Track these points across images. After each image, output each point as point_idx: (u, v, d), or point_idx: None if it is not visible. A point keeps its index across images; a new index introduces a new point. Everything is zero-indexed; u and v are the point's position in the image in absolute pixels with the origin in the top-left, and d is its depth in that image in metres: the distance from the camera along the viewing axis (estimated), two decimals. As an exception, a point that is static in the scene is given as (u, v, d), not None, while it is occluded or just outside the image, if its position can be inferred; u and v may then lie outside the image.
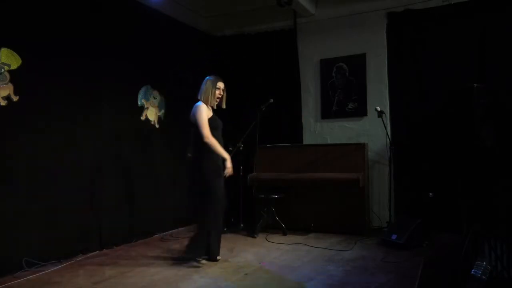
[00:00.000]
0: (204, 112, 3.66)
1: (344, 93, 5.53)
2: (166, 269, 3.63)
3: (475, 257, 2.83)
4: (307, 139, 5.75)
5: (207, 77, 3.84)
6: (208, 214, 3.71)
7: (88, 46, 4.28)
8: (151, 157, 5.10)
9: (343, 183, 4.78)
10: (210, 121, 3.69)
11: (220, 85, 3.83)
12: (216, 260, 3.78)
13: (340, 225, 4.89)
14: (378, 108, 4.78)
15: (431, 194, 4.68)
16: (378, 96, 5.32)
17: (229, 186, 5.71)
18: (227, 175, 3.80)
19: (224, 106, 3.93)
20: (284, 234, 4.91)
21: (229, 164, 3.77)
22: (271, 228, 5.00)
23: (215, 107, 3.83)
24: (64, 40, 4.03)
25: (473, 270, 2.61)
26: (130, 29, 4.77)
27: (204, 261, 3.75)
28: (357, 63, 5.44)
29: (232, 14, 5.98)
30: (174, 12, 5.46)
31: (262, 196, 5.02)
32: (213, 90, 3.76)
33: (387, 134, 4.97)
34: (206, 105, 3.75)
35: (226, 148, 5.19)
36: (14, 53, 3.59)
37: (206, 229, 3.74)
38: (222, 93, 3.84)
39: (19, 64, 3.62)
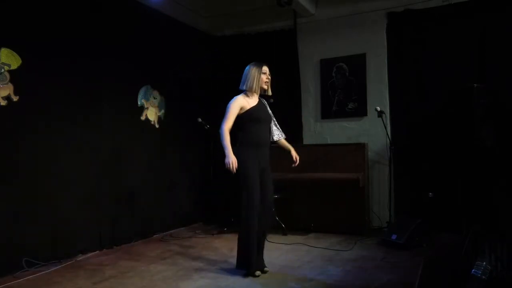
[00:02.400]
0: (237, 102, 3.39)
1: (344, 93, 5.53)
2: (166, 269, 3.63)
3: (475, 257, 2.83)
4: (307, 139, 5.74)
5: (248, 66, 3.55)
6: (241, 217, 3.40)
7: (88, 46, 4.28)
8: (151, 157, 5.10)
9: (343, 183, 4.78)
10: (250, 112, 3.40)
11: (266, 69, 3.53)
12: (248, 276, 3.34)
13: (340, 225, 4.89)
14: (378, 108, 4.78)
15: (431, 194, 4.68)
16: (378, 96, 5.32)
17: (229, 186, 5.78)
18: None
19: (270, 92, 3.59)
20: (284, 234, 4.91)
21: (226, 160, 3.32)
22: (271, 228, 4.99)
23: (268, 92, 3.55)
24: (64, 40, 4.03)
25: (473, 270, 2.61)
26: (130, 29, 4.78)
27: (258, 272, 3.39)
28: (357, 63, 5.44)
29: (232, 14, 5.98)
30: (174, 12, 5.46)
31: (262, 196, 5.01)
32: (259, 75, 3.46)
33: (387, 134, 4.97)
34: (249, 93, 3.47)
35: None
36: (14, 53, 3.59)
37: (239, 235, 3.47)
38: (269, 78, 3.54)
39: (19, 64, 3.62)
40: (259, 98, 3.53)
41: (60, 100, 3.99)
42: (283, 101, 5.67)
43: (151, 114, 5.11)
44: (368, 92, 5.39)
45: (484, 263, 2.65)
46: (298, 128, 5.77)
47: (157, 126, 5.20)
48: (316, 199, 5.02)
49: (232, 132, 3.41)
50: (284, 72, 5.83)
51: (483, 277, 2.57)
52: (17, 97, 3.60)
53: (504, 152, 4.23)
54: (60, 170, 3.98)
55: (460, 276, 2.84)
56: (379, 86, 5.33)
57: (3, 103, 3.51)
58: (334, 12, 5.57)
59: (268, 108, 3.62)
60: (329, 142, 5.58)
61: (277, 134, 3.70)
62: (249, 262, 3.36)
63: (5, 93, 3.53)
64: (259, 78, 3.46)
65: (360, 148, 5.00)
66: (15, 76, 3.59)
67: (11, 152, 3.58)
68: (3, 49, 3.51)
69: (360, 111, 5.43)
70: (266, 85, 3.51)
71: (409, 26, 5.11)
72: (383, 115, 4.80)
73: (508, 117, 4.32)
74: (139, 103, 4.95)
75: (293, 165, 3.70)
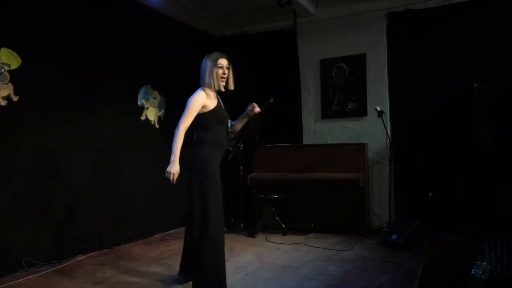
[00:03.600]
0: (199, 100, 2.97)
1: (344, 93, 5.53)
2: (166, 269, 3.63)
3: (475, 257, 2.83)
4: (307, 139, 5.75)
5: (205, 57, 3.10)
6: (201, 236, 2.89)
7: (88, 46, 4.28)
8: (151, 157, 5.09)
9: (343, 183, 4.79)
10: (214, 112, 3.01)
11: (223, 62, 3.04)
12: None
13: (340, 225, 4.89)
14: (378, 108, 4.78)
15: (431, 194, 4.68)
16: (378, 96, 5.32)
17: (229, 186, 5.77)
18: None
19: (232, 87, 3.14)
20: (284, 234, 4.91)
21: (170, 168, 2.94)
22: (271, 228, 5.00)
23: (222, 89, 3.08)
24: (64, 40, 4.03)
25: (473, 270, 2.61)
26: (130, 29, 4.78)
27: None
28: (357, 63, 5.44)
29: (232, 14, 5.98)
30: (174, 12, 5.46)
31: (262, 196, 5.02)
32: (215, 69, 3.01)
33: (387, 134, 4.97)
34: (209, 90, 3.04)
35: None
36: (14, 53, 3.59)
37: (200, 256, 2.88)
38: (226, 72, 3.06)
39: (19, 64, 3.62)
40: (217, 96, 3.15)
41: (60, 100, 3.99)
42: (283, 101, 5.69)
43: (151, 114, 5.11)
44: (368, 92, 5.39)
45: (484, 263, 2.65)
46: (298, 128, 5.77)
47: (157, 126, 5.20)
48: (316, 199, 5.02)
49: (190, 130, 3.05)
50: (284, 72, 5.84)
51: (483, 277, 2.57)
52: (17, 97, 3.60)
53: (504, 152, 4.23)
54: (60, 170, 3.98)
55: (460, 276, 2.84)
56: (379, 86, 5.33)
57: (3, 103, 3.51)
58: (334, 12, 5.57)
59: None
60: (329, 142, 5.58)
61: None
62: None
63: (5, 93, 3.53)
64: (216, 73, 3.02)
65: (360, 148, 5.00)
66: (15, 76, 3.59)
67: (11, 152, 3.58)
68: (3, 49, 3.51)
69: (360, 111, 5.43)
70: (222, 81, 3.05)
71: (409, 26, 5.10)
72: (383, 115, 4.80)
73: (508, 117, 4.32)
74: (139, 103, 4.95)
75: (254, 110, 3.19)
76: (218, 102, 3.12)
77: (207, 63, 3.06)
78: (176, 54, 5.53)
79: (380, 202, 5.23)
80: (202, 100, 2.99)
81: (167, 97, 5.34)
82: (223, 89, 3.10)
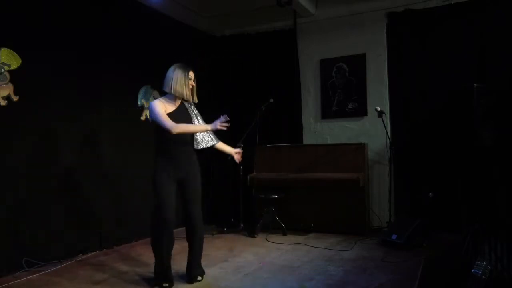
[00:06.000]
0: (158, 107, 3.11)
1: (344, 93, 5.53)
2: (166, 269, 3.63)
3: (475, 257, 2.83)
4: (307, 139, 5.75)
5: (172, 67, 3.27)
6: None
7: (88, 46, 4.28)
8: (151, 157, 5.07)
9: (343, 183, 4.78)
10: (170, 116, 3.11)
11: (192, 74, 3.25)
12: None
13: (340, 225, 4.89)
14: (378, 108, 4.78)
15: (431, 194, 4.68)
16: (378, 96, 5.32)
17: (229, 186, 5.78)
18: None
19: (196, 100, 3.34)
20: (284, 234, 4.91)
21: (212, 127, 3.12)
22: (271, 228, 5.00)
23: (188, 98, 3.24)
24: (64, 40, 4.04)
25: (473, 270, 2.61)
26: (130, 29, 4.78)
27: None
28: (357, 63, 5.44)
29: (232, 14, 5.98)
30: (174, 12, 5.46)
31: (262, 196, 5.02)
32: (186, 79, 3.18)
33: (387, 134, 4.97)
34: (171, 97, 3.22)
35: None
36: (14, 53, 3.59)
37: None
38: (193, 84, 3.27)
39: (19, 64, 3.62)
40: (182, 102, 3.28)
41: (60, 100, 3.99)
42: (283, 101, 5.69)
43: (151, 114, 5.11)
44: (368, 92, 5.39)
45: (484, 263, 2.65)
46: (298, 128, 5.77)
47: (157, 126, 5.20)
48: (316, 199, 5.02)
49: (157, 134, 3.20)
50: (284, 72, 5.84)
51: (483, 277, 2.57)
52: (17, 97, 3.60)
53: (504, 152, 4.23)
54: (60, 170, 3.98)
55: (460, 276, 2.84)
56: (379, 86, 5.33)
57: (3, 103, 3.52)
58: (334, 12, 5.57)
59: (193, 111, 3.33)
60: (329, 142, 5.58)
61: (207, 141, 3.39)
62: (154, 271, 3.24)
63: (5, 93, 3.53)
64: (186, 83, 3.19)
65: (360, 148, 5.00)
66: (15, 76, 3.59)
67: (11, 152, 3.58)
68: (3, 49, 3.51)
69: (360, 111, 5.43)
70: (191, 92, 3.25)
71: (409, 26, 5.10)
72: (383, 115, 4.80)
73: (508, 117, 4.32)
74: (139, 103, 4.95)
75: (238, 162, 3.65)
76: (177, 108, 3.23)
77: (177, 73, 3.21)
78: (176, 54, 5.50)
79: (380, 202, 5.23)
80: (163, 105, 3.17)
81: (167, 97, 5.34)
82: (189, 98, 3.25)
